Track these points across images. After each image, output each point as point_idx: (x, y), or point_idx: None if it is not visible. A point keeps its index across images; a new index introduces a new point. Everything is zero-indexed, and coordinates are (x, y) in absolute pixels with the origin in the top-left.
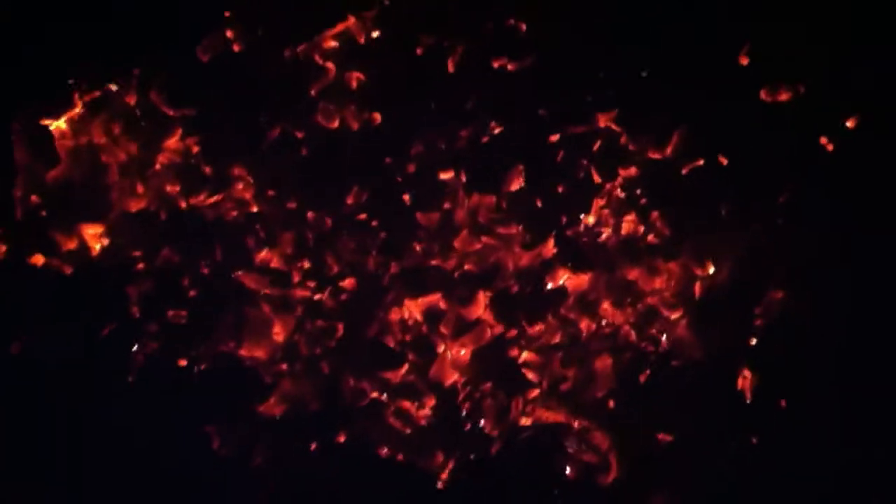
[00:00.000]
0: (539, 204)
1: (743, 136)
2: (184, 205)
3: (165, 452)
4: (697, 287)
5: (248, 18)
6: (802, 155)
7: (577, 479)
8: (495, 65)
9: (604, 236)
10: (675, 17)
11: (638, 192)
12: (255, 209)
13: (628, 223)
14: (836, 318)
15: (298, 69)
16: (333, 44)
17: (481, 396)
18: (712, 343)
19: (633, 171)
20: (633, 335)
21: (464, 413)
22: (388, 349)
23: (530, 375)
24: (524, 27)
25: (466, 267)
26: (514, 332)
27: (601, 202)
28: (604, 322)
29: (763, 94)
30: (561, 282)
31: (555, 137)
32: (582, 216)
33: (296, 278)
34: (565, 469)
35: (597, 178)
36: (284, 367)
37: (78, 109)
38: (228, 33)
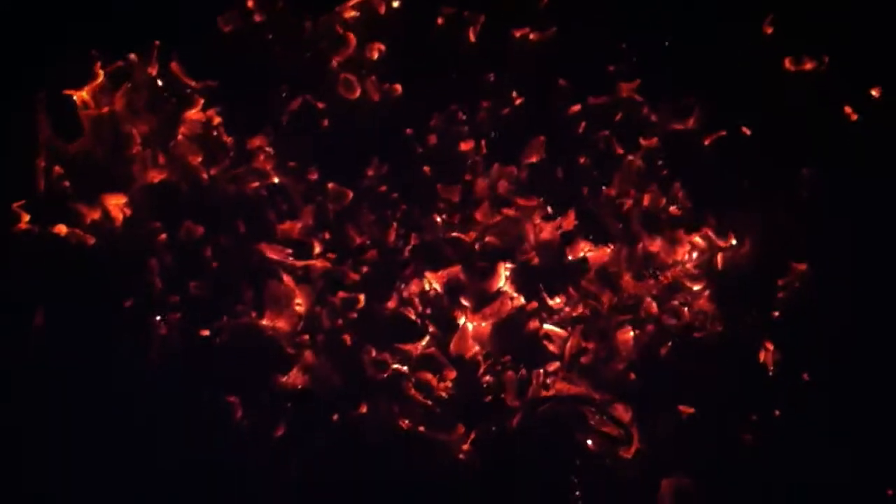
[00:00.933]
0: (560, 175)
1: (766, 106)
2: (205, 176)
3: (188, 422)
4: (720, 259)
5: None
6: (826, 125)
7: (599, 452)
8: (517, 35)
9: (625, 208)
10: None
11: (660, 163)
12: (276, 181)
13: (650, 195)
14: (859, 290)
15: (319, 40)
16: (354, 14)
17: (502, 369)
18: (734, 315)
19: (654, 142)
20: (655, 307)
21: (484, 385)
22: (409, 321)
23: (551, 348)
24: None
25: (487, 239)
26: (534, 305)
27: (622, 174)
28: (625, 294)
29: (787, 64)
30: (582, 254)
31: (576, 108)
32: (603, 188)
33: (317, 250)
34: (586, 441)
35: (618, 150)
36: (306, 338)
37: (100, 80)
38: (249, 3)
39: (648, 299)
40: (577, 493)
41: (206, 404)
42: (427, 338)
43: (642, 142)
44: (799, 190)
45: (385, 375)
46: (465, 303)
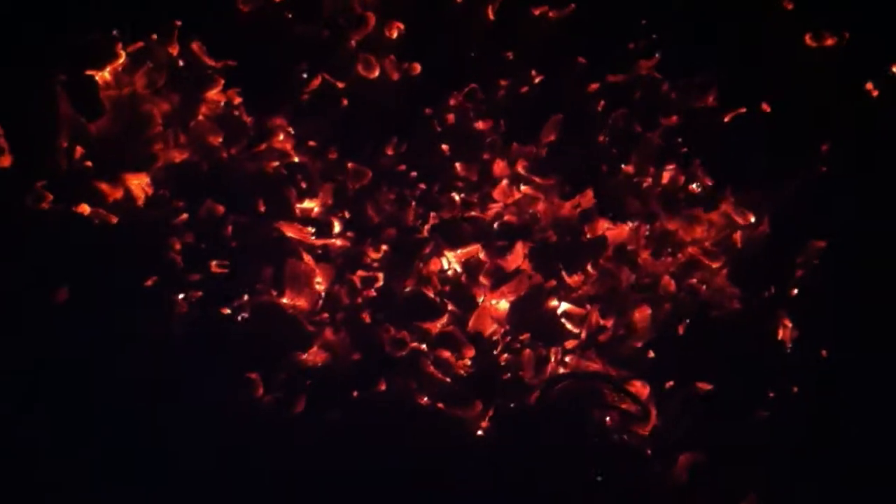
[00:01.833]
0: (579, 153)
1: (787, 83)
2: (225, 155)
3: (209, 400)
4: (738, 237)
5: None
6: (847, 101)
7: (616, 429)
8: (535, 12)
9: (644, 186)
10: None
11: (679, 140)
12: (295, 160)
13: (669, 173)
14: (878, 267)
15: (338, 19)
16: None
17: (520, 347)
18: (753, 293)
19: (673, 119)
20: (673, 285)
21: (503, 363)
22: (427, 300)
23: (569, 326)
24: None
25: (506, 217)
26: (552, 283)
27: (641, 152)
28: (643, 272)
29: (807, 40)
30: (600, 232)
31: (595, 86)
32: (622, 166)
33: (336, 229)
34: (604, 419)
35: (637, 128)
36: (326, 316)
37: (121, 60)
38: None
39: (667, 277)
40: (595, 468)
41: (226, 381)
42: (446, 316)
43: (661, 120)
44: (819, 167)
45: (404, 353)
46: (483, 281)
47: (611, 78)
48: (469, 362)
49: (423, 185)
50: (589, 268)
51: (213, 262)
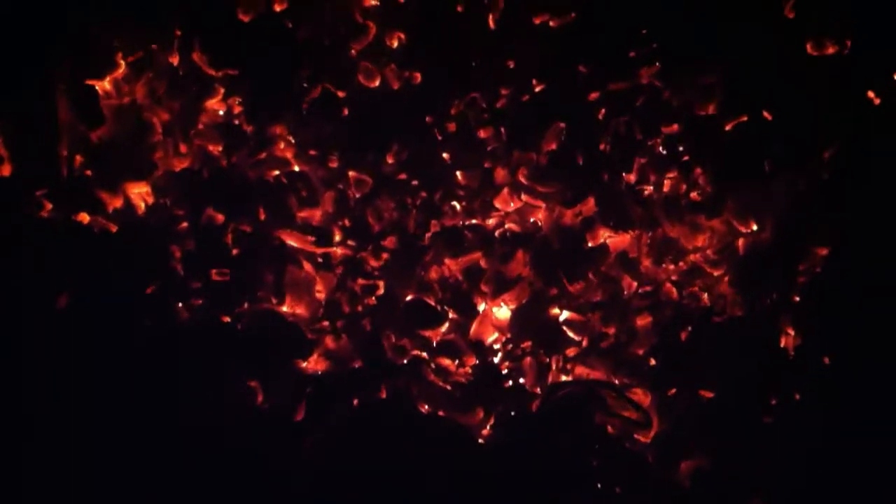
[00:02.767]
0: (580, 161)
1: (788, 90)
2: (226, 164)
3: (210, 407)
4: (741, 244)
5: None
6: (849, 109)
7: (618, 436)
8: (536, 21)
9: (645, 194)
10: None
11: (680, 148)
12: (296, 168)
13: (670, 180)
14: (880, 274)
15: (339, 28)
16: (374, 2)
17: (521, 354)
18: (755, 300)
19: (675, 127)
20: (675, 293)
21: (504, 370)
22: (428, 307)
23: (571, 333)
24: None
25: (507, 225)
26: (554, 291)
27: (643, 159)
28: (645, 280)
29: (809, 48)
30: (602, 240)
31: (595, 94)
32: (623, 174)
33: (337, 237)
34: (605, 425)
35: (638, 135)
36: (326, 324)
37: (122, 70)
38: None
39: (668, 285)
40: (597, 475)
41: (227, 389)
42: (447, 323)
43: (663, 128)
44: (820, 174)
45: (405, 361)
46: (484, 289)
47: (612, 86)
48: (470, 370)
49: (424, 193)
50: (590, 275)
51: (214, 271)
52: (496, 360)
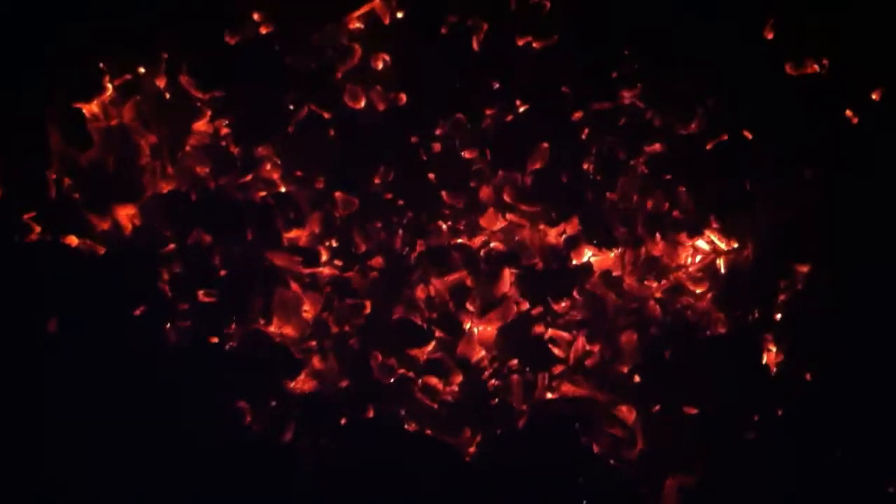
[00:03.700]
0: (564, 181)
1: (768, 110)
2: (213, 186)
3: (198, 429)
4: (722, 262)
5: (276, 1)
6: (828, 129)
7: (603, 453)
8: (520, 43)
9: (628, 213)
10: None
11: (662, 168)
12: (283, 189)
13: (653, 199)
14: (861, 291)
15: (325, 50)
16: (359, 25)
17: (508, 372)
18: (737, 318)
19: (657, 147)
20: (659, 310)
21: (491, 389)
22: (415, 326)
23: (556, 351)
24: (548, 5)
25: (492, 244)
26: (539, 309)
27: (626, 178)
28: (629, 297)
29: (788, 68)
30: (585, 258)
31: (579, 115)
32: (607, 193)
33: (324, 257)
34: (591, 443)
35: (621, 155)
36: (314, 344)
37: (109, 93)
38: (255, 16)
39: (652, 302)
40: (583, 494)
41: (215, 410)
42: (433, 342)
43: (645, 147)
44: (800, 193)
45: (392, 380)
46: (470, 308)
47: (595, 106)
48: (457, 388)
49: (410, 213)
50: (575, 294)
51: (202, 292)
52: (483, 378)
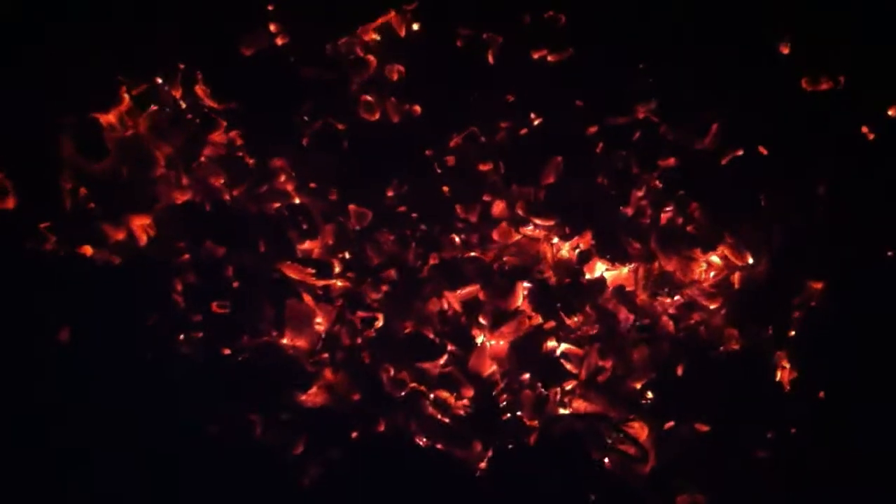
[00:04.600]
0: (578, 195)
1: (783, 126)
2: (228, 197)
3: (210, 440)
4: (736, 278)
5: (291, 12)
6: (843, 144)
7: (615, 469)
8: (535, 56)
9: (642, 227)
10: (716, 6)
11: (677, 182)
12: (297, 201)
13: (667, 214)
14: (875, 309)
15: (340, 62)
16: (375, 37)
17: (519, 387)
18: (751, 334)
19: (671, 161)
20: (672, 326)
21: (502, 403)
22: (427, 340)
23: (568, 366)
24: (563, 19)
25: (505, 258)
26: (552, 324)
27: (640, 193)
28: (642, 313)
29: (804, 84)
30: (599, 273)
31: (593, 129)
32: (620, 207)
33: (337, 269)
34: (603, 459)
35: (635, 170)
36: (326, 356)
37: (125, 103)
38: (272, 27)
39: (665, 318)
40: None
41: (227, 422)
42: (445, 356)
43: (659, 162)
44: (816, 209)
45: (403, 393)
46: (483, 321)
47: (609, 120)
48: (468, 402)
49: (423, 226)
50: (588, 308)
51: (215, 303)
52: (494, 392)
